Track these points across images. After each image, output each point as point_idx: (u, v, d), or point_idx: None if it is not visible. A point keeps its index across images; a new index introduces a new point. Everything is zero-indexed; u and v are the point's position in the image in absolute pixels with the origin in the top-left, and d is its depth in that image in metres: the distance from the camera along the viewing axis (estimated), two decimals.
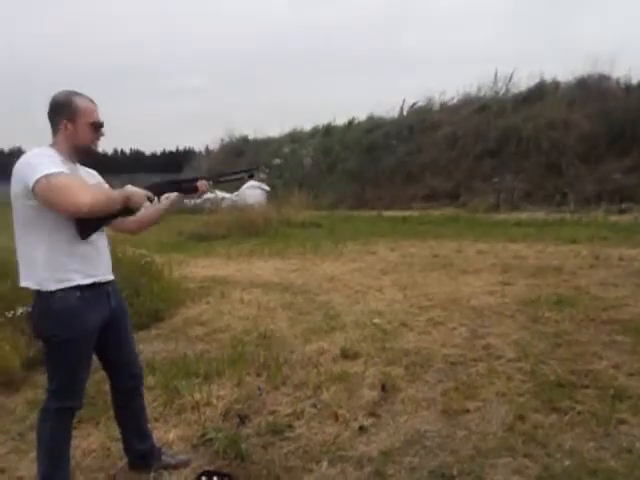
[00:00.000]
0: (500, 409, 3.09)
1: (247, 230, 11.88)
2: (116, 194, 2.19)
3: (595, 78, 18.12)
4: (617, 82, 17.89)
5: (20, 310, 4.23)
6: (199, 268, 8.03)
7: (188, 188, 2.56)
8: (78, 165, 2.34)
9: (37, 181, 2.01)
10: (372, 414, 3.11)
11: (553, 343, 4.16)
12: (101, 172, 2.53)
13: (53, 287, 2.15)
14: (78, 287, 2.20)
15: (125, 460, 2.73)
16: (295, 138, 25.01)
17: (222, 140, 27.70)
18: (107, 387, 3.54)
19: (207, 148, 31.19)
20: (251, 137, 26.94)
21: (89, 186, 2.18)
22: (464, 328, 4.65)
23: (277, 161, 23.29)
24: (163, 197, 2.50)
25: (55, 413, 2.31)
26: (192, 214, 16.62)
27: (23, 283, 2.21)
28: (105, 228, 2.39)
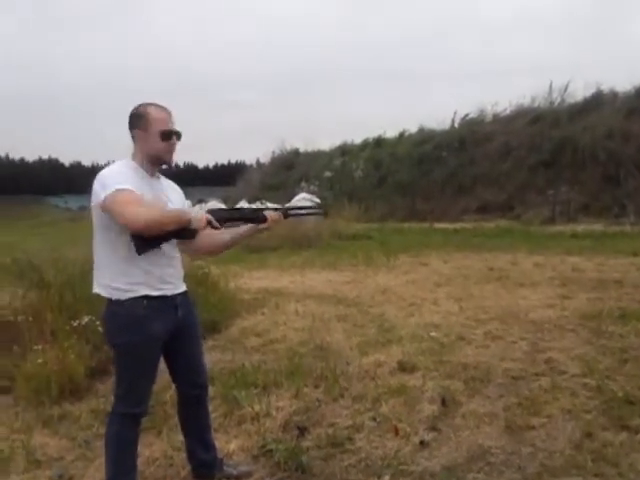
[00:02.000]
0: (566, 426, 2.99)
1: (299, 242, 11.98)
2: (175, 214, 2.24)
3: None
4: None
5: (85, 319, 4.36)
6: (253, 279, 8.14)
7: (257, 218, 2.50)
8: (162, 179, 2.42)
9: (106, 197, 2.11)
10: (433, 428, 3.07)
11: (619, 358, 4.01)
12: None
13: (122, 297, 2.23)
14: (145, 297, 2.26)
15: (188, 469, 2.78)
16: (346, 151, 25.11)
17: (273, 153, 28.07)
18: (167, 397, 3.66)
19: (258, 161, 31.67)
20: (302, 150, 27.18)
21: (149, 204, 2.20)
22: (524, 342, 4.54)
23: (328, 174, 23.41)
24: (233, 229, 2.49)
25: (121, 418, 2.38)
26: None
27: (95, 290, 2.30)
28: (176, 247, 2.42)
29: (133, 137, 2.31)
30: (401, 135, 24.17)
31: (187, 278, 5.87)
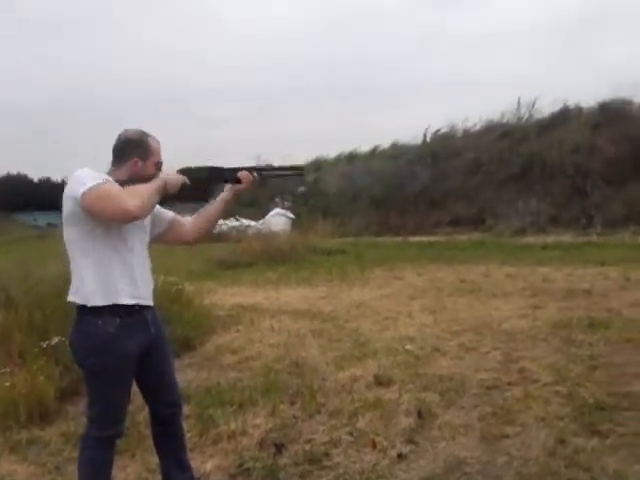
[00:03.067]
0: (540, 433, 3.03)
1: (273, 258, 11.96)
2: (155, 185, 2.22)
3: (617, 103, 18.11)
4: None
5: (55, 339, 4.28)
6: (228, 296, 8.09)
7: (231, 178, 2.46)
8: None
9: (84, 194, 2.06)
10: (410, 441, 3.08)
11: (589, 366, 4.09)
12: None
13: (100, 302, 2.17)
14: (119, 313, 2.21)
15: None
16: (319, 166, 25.22)
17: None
18: (141, 418, 3.60)
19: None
20: (276, 165, 27.18)
21: (132, 189, 2.19)
22: (497, 352, 4.60)
23: (302, 189, 23.48)
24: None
25: (95, 441, 2.31)
26: (218, 242, 16.82)
27: (70, 298, 2.24)
28: (148, 259, 2.40)
29: (125, 161, 2.28)
30: (374, 150, 24.42)
31: (161, 295, 5.83)
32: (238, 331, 5.89)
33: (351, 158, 24.63)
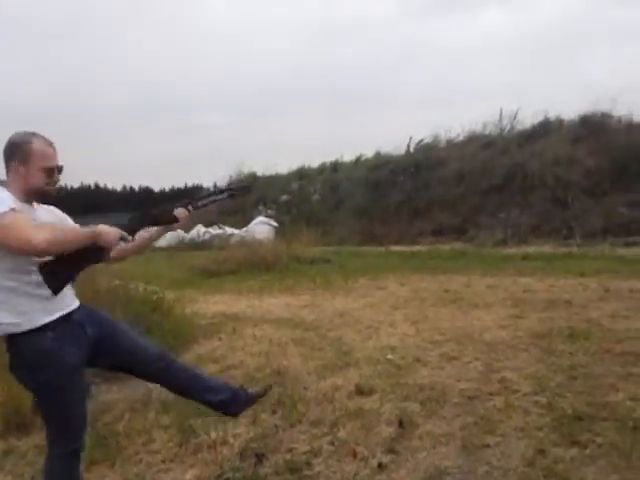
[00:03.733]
0: (520, 444, 3.05)
1: (256, 266, 11.92)
2: (82, 232, 2.11)
3: (598, 116, 18.44)
4: (619, 120, 18.21)
5: None
6: (210, 304, 8.05)
7: (167, 220, 2.43)
8: (35, 205, 2.26)
9: None
10: (390, 450, 3.08)
11: (569, 376, 4.12)
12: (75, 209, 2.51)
13: (19, 329, 2.08)
14: (47, 327, 2.11)
15: None
16: (303, 175, 25.27)
17: (230, 177, 27.96)
18: (120, 428, 3.57)
19: (215, 185, 31.43)
20: (259, 174, 27.20)
21: (45, 224, 2.13)
22: (478, 362, 4.62)
23: (285, 197, 23.49)
24: (140, 233, 2.38)
25: (59, 459, 2.25)
26: (201, 250, 16.73)
27: None
28: None
29: (8, 168, 2.17)
30: (358, 159, 24.53)
31: (142, 303, 5.78)
32: (220, 340, 5.86)
33: (335, 167, 24.71)
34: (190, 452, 3.23)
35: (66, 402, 2.21)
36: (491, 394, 3.86)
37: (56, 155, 2.22)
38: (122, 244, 2.23)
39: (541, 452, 2.93)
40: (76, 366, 2.21)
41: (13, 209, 1.99)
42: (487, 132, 21.00)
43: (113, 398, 4.14)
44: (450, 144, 21.78)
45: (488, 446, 3.06)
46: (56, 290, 2.10)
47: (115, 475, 3.03)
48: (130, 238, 2.26)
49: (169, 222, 2.44)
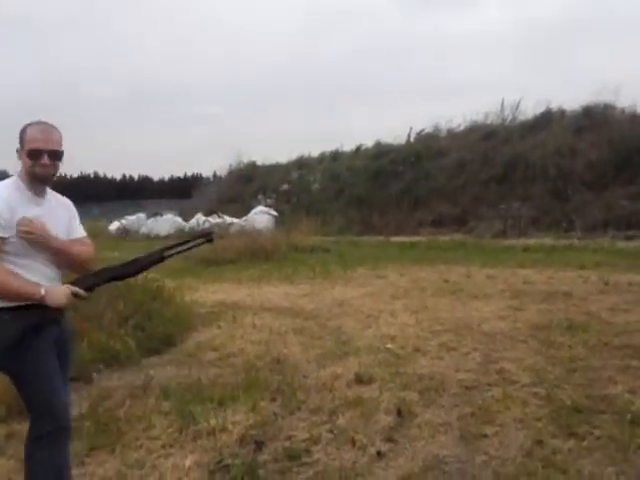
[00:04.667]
0: (518, 434, 3.07)
1: (256, 255, 11.92)
2: (28, 290, 2.13)
3: (600, 107, 18.36)
4: (622, 111, 18.12)
5: None
6: (209, 293, 8.06)
7: (128, 273, 2.44)
8: (50, 198, 2.33)
9: None
10: (389, 439, 3.10)
11: (567, 368, 4.14)
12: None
13: None
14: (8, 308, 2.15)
15: None
16: (303, 164, 25.20)
17: (230, 166, 27.91)
18: (121, 413, 3.58)
19: (215, 174, 31.41)
20: (259, 163, 27.14)
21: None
22: (477, 353, 4.64)
23: (285, 187, 23.46)
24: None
25: (48, 439, 2.23)
26: None
27: None
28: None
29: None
30: (358, 149, 24.46)
31: (142, 291, 5.77)
32: (219, 328, 5.87)
33: (335, 156, 24.64)
34: (190, 438, 3.24)
35: (40, 378, 2.22)
36: (489, 385, 3.88)
37: (46, 139, 2.23)
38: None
39: (539, 443, 2.95)
40: (44, 342, 2.22)
41: None
42: (489, 122, 20.92)
43: (114, 384, 4.15)
44: (451, 134, 21.74)
45: (486, 436, 3.08)
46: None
47: (115, 460, 3.03)
48: (85, 294, 2.27)
49: (131, 275, 2.48)
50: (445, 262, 10.36)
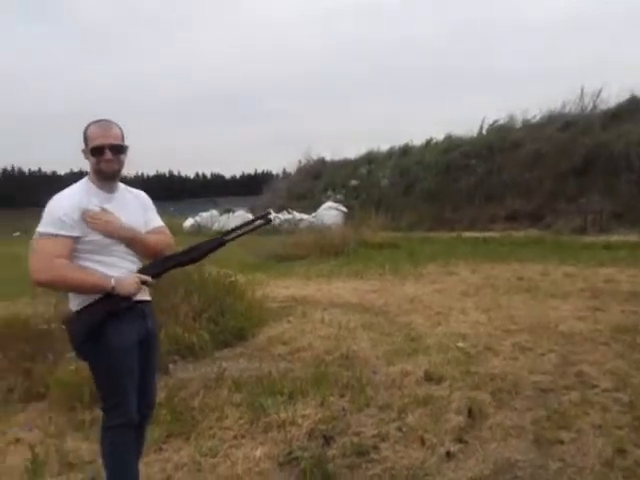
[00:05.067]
0: (597, 442, 2.94)
1: (325, 251, 11.98)
2: (92, 282, 2.20)
3: None
4: None
5: None
6: (280, 288, 8.18)
7: (190, 259, 2.48)
8: (122, 193, 2.41)
9: (35, 233, 2.23)
10: (459, 440, 3.05)
11: None
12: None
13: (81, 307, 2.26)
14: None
15: (216, 474, 2.82)
16: (372, 159, 25.04)
17: (299, 162, 28.16)
18: (195, 403, 3.70)
19: (285, 170, 31.79)
20: (328, 159, 27.23)
21: (60, 263, 2.17)
22: (553, 354, 4.47)
23: (354, 182, 23.41)
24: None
25: (112, 431, 2.37)
26: (271, 235, 17.00)
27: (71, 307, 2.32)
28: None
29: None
30: (428, 143, 23.99)
31: (215, 286, 5.94)
32: (289, 322, 5.95)
33: (404, 151, 24.32)
34: (260, 430, 3.31)
35: (118, 378, 2.33)
36: (567, 388, 3.73)
37: (106, 135, 2.29)
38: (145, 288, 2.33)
39: (621, 452, 2.80)
40: (131, 347, 2.32)
41: (54, 234, 2.17)
42: (567, 112, 19.96)
43: (189, 376, 4.30)
44: (526, 125, 20.84)
45: (562, 442, 2.96)
46: (78, 342, 2.29)
47: (190, 448, 3.15)
48: (153, 282, 2.35)
49: (193, 262, 2.51)
50: (519, 259, 10.01)
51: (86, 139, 2.31)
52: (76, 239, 2.22)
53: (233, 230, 2.60)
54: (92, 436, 3.32)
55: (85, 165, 2.38)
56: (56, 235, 2.18)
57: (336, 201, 21.31)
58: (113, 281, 2.21)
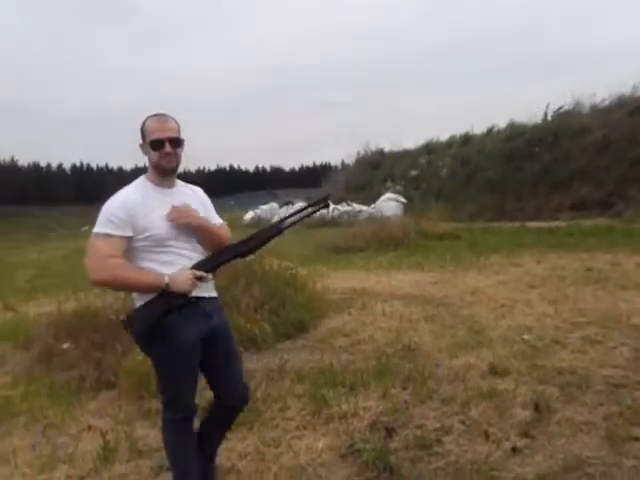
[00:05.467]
0: None
1: (385, 242, 11.91)
2: (145, 280, 2.23)
3: None
4: None
5: None
6: (340, 280, 8.19)
7: (245, 251, 2.45)
8: (180, 189, 2.43)
9: (92, 233, 2.26)
10: (525, 435, 2.97)
11: None
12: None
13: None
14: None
15: (279, 464, 2.86)
16: (431, 149, 24.65)
17: (358, 153, 28.07)
18: (258, 394, 3.77)
19: (343, 162, 31.78)
20: (387, 150, 27.02)
21: (113, 263, 2.20)
22: (626, 348, 4.27)
23: (413, 173, 23.13)
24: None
25: (171, 424, 2.44)
26: (329, 227, 17.04)
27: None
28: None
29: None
30: (490, 130, 23.37)
31: (276, 278, 6.03)
32: (350, 314, 5.95)
33: (465, 140, 23.78)
34: (322, 421, 3.34)
35: (178, 375, 2.37)
36: None
37: (164, 128, 2.30)
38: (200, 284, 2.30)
39: None
40: (192, 345, 2.34)
41: (106, 234, 2.21)
42: (638, 95, 18.96)
43: (252, 367, 4.37)
44: (594, 110, 19.95)
45: (636, 439, 2.84)
46: (138, 338, 2.35)
47: (254, 437, 3.22)
48: (209, 277, 2.34)
49: (250, 253, 2.48)
50: (587, 249, 9.62)
51: (144, 133, 2.32)
52: (129, 238, 2.25)
53: (291, 215, 2.58)
54: (160, 424, 3.44)
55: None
56: (109, 235, 2.21)
57: (395, 192, 21.13)
58: (167, 278, 2.22)
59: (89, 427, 3.51)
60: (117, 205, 2.26)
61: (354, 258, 10.82)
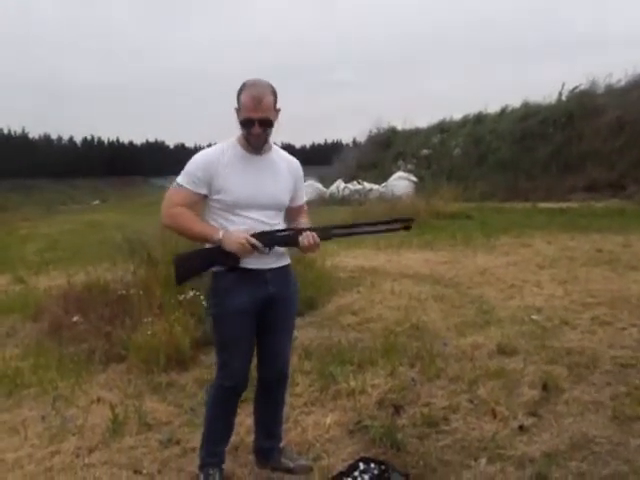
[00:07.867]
0: None
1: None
2: (199, 231, 2.29)
3: None
4: None
5: (190, 293, 4.59)
6: (349, 258, 8.19)
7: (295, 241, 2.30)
8: (272, 156, 2.37)
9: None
10: (533, 414, 2.99)
11: None
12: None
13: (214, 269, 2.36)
14: (233, 269, 2.28)
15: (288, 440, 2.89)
16: (444, 128, 24.40)
17: (370, 132, 27.84)
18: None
19: (355, 140, 31.53)
20: (399, 128, 26.77)
21: (176, 211, 2.29)
22: (635, 329, 4.27)
23: (425, 152, 22.94)
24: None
25: (218, 390, 2.45)
26: (340, 205, 17.00)
27: None
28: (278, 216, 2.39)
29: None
30: (503, 110, 23.05)
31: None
32: (359, 293, 5.96)
33: (478, 119, 23.50)
34: (330, 398, 3.36)
35: (229, 340, 2.37)
36: None
37: (256, 107, 2.20)
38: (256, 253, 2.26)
39: None
40: (244, 311, 2.31)
41: (181, 186, 2.30)
42: None
43: None
44: (609, 90, 19.59)
45: None
46: (179, 281, 2.42)
47: None
48: (265, 250, 2.28)
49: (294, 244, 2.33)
50: (599, 230, 9.54)
51: (239, 103, 2.25)
52: (202, 196, 2.31)
53: (364, 224, 2.60)
54: (169, 398, 3.50)
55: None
56: (182, 186, 2.30)
57: (407, 171, 20.99)
58: (221, 233, 2.24)
59: (98, 400, 3.53)
60: (199, 164, 2.30)
61: (364, 236, 10.77)
